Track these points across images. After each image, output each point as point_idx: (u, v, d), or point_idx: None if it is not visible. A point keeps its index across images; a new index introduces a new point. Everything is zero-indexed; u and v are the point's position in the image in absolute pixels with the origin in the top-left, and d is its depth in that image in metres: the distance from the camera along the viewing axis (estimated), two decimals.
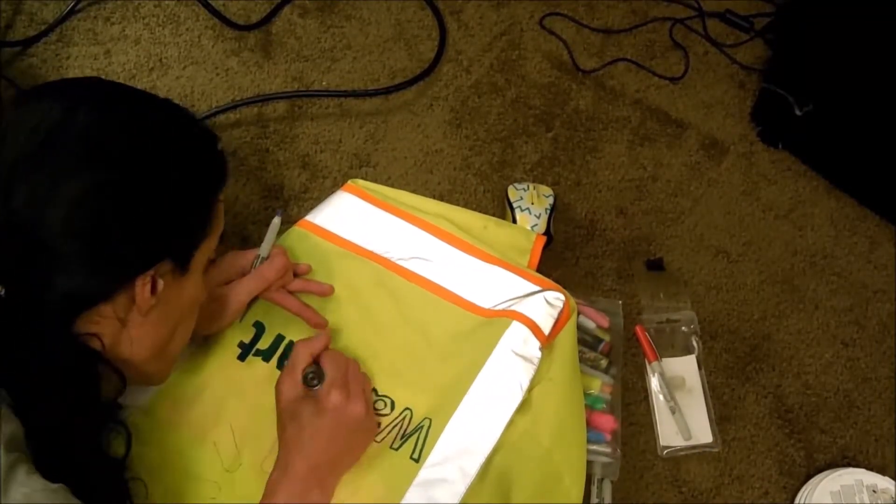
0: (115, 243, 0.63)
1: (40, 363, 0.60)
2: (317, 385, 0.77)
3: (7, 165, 0.60)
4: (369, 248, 0.95)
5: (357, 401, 0.77)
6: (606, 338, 1.00)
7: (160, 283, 0.67)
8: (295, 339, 0.88)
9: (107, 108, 0.66)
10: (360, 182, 1.02)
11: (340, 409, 0.75)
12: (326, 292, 0.91)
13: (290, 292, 0.89)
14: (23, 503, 0.53)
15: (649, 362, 1.02)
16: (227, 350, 0.87)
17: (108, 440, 0.68)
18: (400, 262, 0.93)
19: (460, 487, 0.77)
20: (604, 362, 0.98)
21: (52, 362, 0.60)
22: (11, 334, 0.59)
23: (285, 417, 0.76)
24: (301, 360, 0.79)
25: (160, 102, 0.72)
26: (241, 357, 0.87)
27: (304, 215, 0.99)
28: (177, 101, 1.12)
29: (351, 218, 0.97)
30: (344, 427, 0.75)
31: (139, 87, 1.14)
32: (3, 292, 0.59)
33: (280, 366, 0.87)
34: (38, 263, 0.60)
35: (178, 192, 0.68)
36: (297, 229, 0.97)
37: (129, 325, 0.66)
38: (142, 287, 0.65)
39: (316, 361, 0.80)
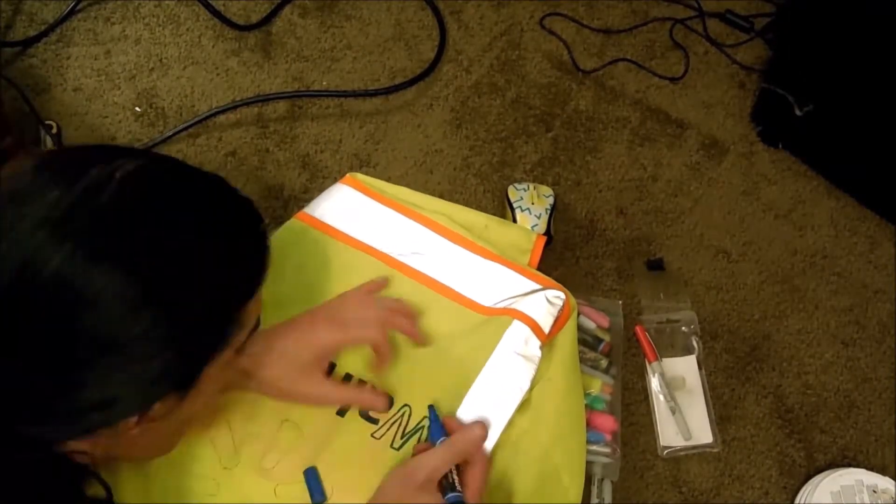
0: (96, 387, 0.52)
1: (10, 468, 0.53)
2: None
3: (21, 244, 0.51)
4: (368, 242, 0.93)
5: None
6: (606, 338, 1.00)
7: (153, 410, 0.57)
8: None
9: (134, 194, 0.55)
10: (360, 176, 0.99)
11: None
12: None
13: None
14: None
15: (649, 362, 1.02)
16: None
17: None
18: (399, 258, 0.92)
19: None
20: (604, 362, 0.98)
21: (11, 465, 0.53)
22: None
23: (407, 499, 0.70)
24: (446, 461, 0.72)
25: (204, 185, 0.60)
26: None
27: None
28: (178, 102, 1.15)
29: (350, 212, 0.96)
30: None
31: (139, 86, 1.16)
32: None
33: None
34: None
35: (198, 312, 0.56)
36: (294, 222, 0.95)
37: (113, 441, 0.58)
38: (124, 422, 0.56)
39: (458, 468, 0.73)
